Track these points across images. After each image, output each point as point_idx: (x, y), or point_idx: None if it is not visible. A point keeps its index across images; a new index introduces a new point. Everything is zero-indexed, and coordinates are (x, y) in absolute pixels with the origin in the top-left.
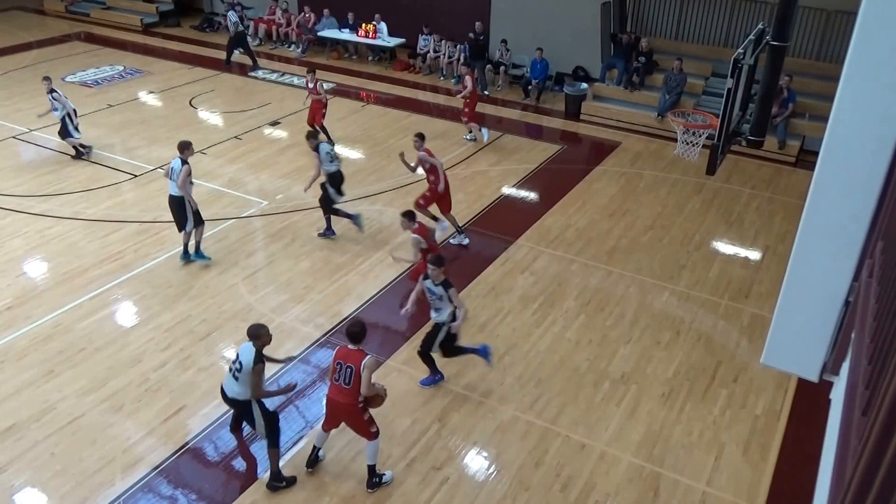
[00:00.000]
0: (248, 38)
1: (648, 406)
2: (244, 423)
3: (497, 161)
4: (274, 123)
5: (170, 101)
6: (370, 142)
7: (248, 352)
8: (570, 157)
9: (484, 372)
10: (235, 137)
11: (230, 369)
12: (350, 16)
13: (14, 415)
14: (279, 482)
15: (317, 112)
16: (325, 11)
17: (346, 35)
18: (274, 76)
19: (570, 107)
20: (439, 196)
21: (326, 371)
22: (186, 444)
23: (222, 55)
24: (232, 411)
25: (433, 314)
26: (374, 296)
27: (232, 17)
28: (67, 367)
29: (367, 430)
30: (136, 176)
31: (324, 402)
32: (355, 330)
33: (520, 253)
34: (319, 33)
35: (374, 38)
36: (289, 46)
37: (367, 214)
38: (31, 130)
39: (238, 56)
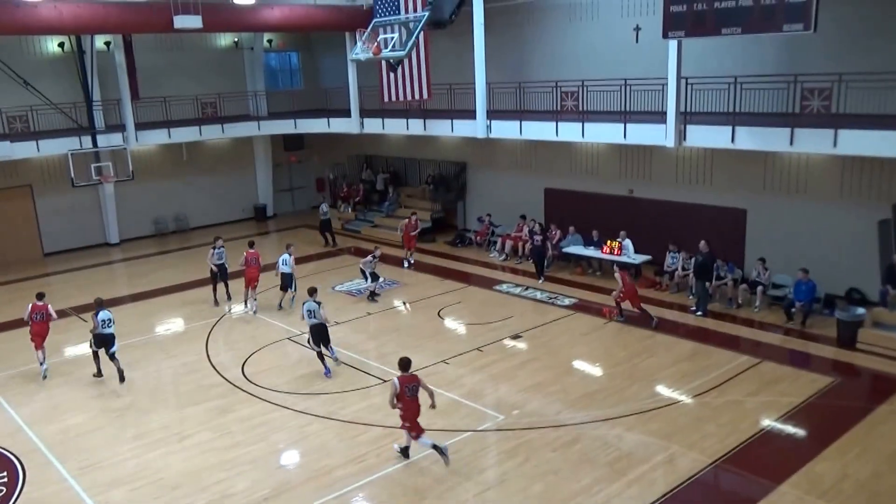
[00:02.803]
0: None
1: None
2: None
3: (755, 391)
4: (515, 337)
5: (420, 310)
6: (611, 361)
7: (313, 304)
8: (845, 392)
9: None
10: (477, 349)
11: (311, 316)
12: (595, 233)
13: None
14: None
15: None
16: (571, 229)
17: (590, 252)
18: (518, 290)
19: (844, 333)
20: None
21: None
22: None
23: (473, 269)
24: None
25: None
26: None
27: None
28: None
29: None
30: (384, 381)
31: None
32: (407, 361)
33: (783, 502)
34: (564, 249)
35: (619, 254)
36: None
37: (604, 439)
38: (303, 333)
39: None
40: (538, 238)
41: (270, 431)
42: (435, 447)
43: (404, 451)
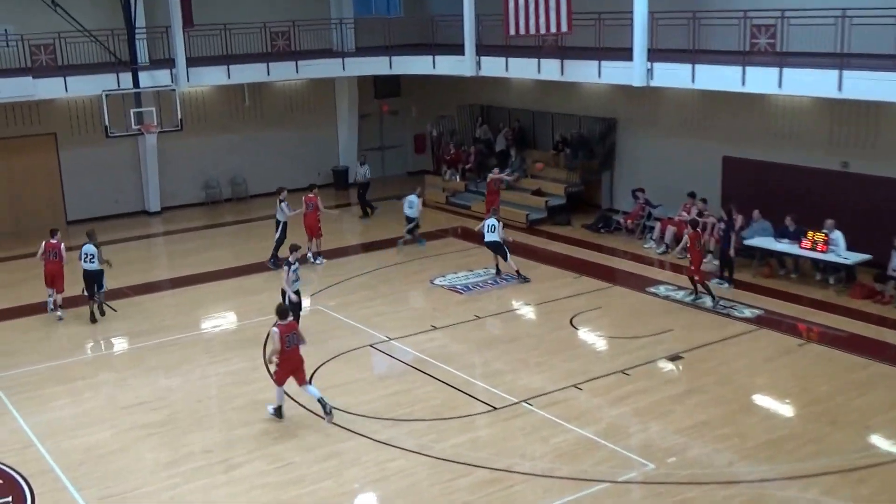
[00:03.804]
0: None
1: None
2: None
3: None
4: (674, 358)
5: (546, 316)
6: (807, 397)
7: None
8: None
9: None
10: (622, 372)
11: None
12: (789, 220)
13: None
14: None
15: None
16: (756, 213)
17: (783, 245)
18: (680, 294)
19: None
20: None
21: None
22: None
23: (620, 263)
24: None
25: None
26: None
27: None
28: None
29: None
30: (495, 408)
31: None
32: (284, 308)
33: None
34: (746, 241)
35: (825, 250)
36: (705, 256)
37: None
38: (390, 339)
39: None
40: (721, 226)
41: (342, 466)
42: (321, 401)
43: (278, 412)
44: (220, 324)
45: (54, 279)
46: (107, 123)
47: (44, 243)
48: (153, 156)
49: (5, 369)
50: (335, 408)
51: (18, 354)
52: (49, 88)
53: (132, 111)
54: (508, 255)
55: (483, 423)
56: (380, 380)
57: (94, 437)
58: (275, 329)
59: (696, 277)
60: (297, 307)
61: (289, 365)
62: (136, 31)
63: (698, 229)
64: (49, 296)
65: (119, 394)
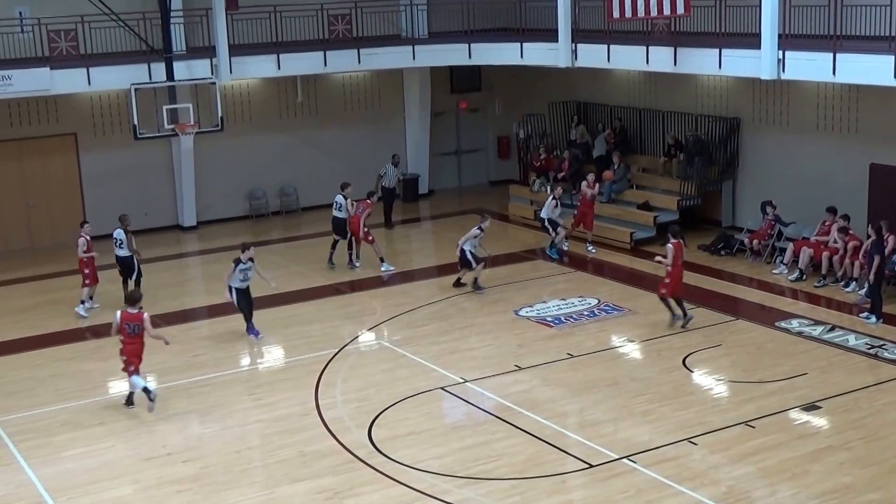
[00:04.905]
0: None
1: None
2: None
3: None
4: (810, 408)
5: (655, 355)
6: None
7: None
8: None
9: None
10: (746, 424)
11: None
12: None
13: None
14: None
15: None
16: None
17: None
18: (817, 331)
19: None
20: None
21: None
22: None
23: (744, 293)
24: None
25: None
26: None
27: None
28: None
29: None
30: (591, 466)
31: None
32: (136, 296)
33: None
34: None
35: None
36: (846, 285)
37: None
38: (465, 381)
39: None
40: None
41: None
42: (145, 390)
43: (129, 399)
44: (263, 360)
45: (86, 271)
46: (135, 122)
47: (77, 236)
48: (189, 161)
49: (11, 411)
50: (394, 459)
51: (27, 394)
52: (69, 81)
53: (165, 108)
54: (474, 268)
55: (576, 484)
56: (453, 430)
57: (114, 494)
58: (117, 314)
59: (665, 292)
60: (245, 299)
61: (130, 351)
62: (172, 14)
63: (681, 240)
64: (82, 297)
65: (144, 442)
